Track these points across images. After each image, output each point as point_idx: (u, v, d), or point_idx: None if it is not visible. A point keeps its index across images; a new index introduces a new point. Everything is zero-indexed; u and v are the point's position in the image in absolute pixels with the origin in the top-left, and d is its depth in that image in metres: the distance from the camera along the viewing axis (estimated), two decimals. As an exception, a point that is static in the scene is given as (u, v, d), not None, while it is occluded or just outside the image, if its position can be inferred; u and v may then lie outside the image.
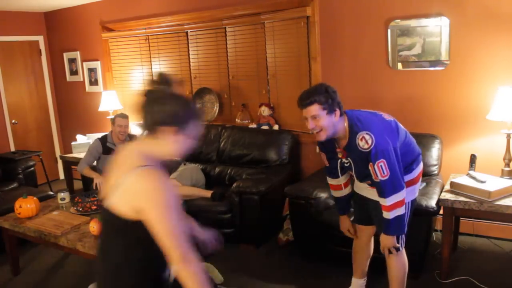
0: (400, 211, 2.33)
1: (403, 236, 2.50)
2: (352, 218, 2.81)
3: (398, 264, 2.56)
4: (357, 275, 2.89)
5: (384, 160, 2.25)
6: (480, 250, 3.45)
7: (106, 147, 4.19)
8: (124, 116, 4.19)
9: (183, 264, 1.42)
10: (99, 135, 5.27)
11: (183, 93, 1.49)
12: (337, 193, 2.70)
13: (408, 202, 2.48)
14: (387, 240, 2.42)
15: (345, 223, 2.77)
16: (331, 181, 2.67)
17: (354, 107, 4.02)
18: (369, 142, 2.26)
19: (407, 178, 2.47)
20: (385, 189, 2.29)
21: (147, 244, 1.47)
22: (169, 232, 1.42)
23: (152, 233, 1.43)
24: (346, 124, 2.33)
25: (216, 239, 1.96)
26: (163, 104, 1.49)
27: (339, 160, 2.48)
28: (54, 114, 6.42)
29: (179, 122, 1.48)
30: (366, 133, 2.28)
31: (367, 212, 2.63)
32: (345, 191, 2.68)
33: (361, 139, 2.28)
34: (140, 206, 1.43)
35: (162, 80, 1.54)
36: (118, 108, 5.43)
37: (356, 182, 2.63)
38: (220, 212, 3.69)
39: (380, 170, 2.26)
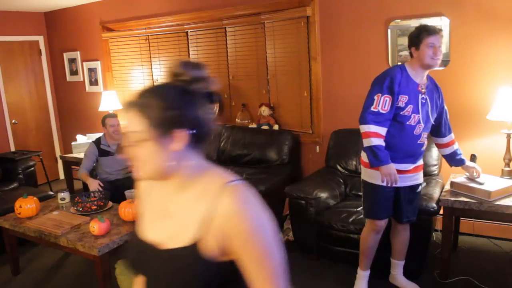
0: None
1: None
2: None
3: (408, 234, 2.88)
4: (367, 267, 2.90)
5: None
6: (480, 250, 3.45)
7: (101, 150, 4.18)
8: (113, 116, 4.23)
9: None
10: (99, 135, 5.28)
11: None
12: (381, 142, 2.57)
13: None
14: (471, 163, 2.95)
15: (393, 169, 2.55)
16: (379, 129, 2.57)
17: (354, 106, 4.01)
18: None
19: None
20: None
21: None
22: (271, 275, 1.06)
23: (246, 277, 1.04)
24: None
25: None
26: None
27: (419, 95, 2.63)
28: (54, 114, 6.42)
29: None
30: None
31: (390, 205, 2.74)
32: (384, 143, 2.59)
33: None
34: (234, 244, 1.01)
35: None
36: (118, 108, 5.43)
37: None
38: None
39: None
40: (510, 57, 3.27)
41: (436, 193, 3.06)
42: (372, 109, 2.57)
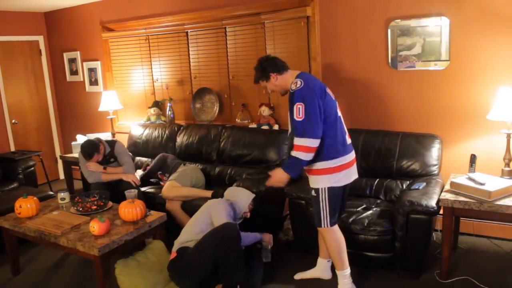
0: (302, 156, 2.62)
1: (327, 215, 2.78)
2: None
3: (332, 239, 2.85)
4: (321, 254, 3.13)
5: (303, 105, 2.60)
6: (480, 250, 3.45)
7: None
8: (87, 156, 3.95)
9: None
10: (99, 135, 5.28)
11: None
12: None
13: (324, 188, 2.75)
14: (279, 174, 2.75)
15: None
16: None
17: (353, 106, 4.03)
18: (297, 85, 2.66)
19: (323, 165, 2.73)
20: (296, 129, 2.64)
21: None
22: None
23: None
24: (292, 78, 2.76)
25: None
26: None
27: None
28: (54, 114, 6.42)
29: None
30: (299, 80, 2.68)
31: None
32: None
33: (294, 83, 2.69)
34: None
35: None
36: (118, 108, 5.44)
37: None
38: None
39: (297, 111, 2.62)
40: (510, 57, 3.27)
41: (436, 193, 3.05)
42: None
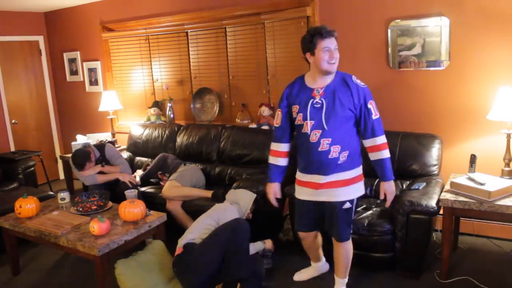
0: (389, 154, 2.55)
1: (351, 226, 2.71)
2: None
3: (350, 248, 2.76)
4: (314, 260, 3.12)
5: (374, 102, 2.53)
6: (480, 250, 3.45)
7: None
8: (80, 168, 3.94)
9: None
10: (99, 135, 5.29)
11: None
12: (275, 160, 2.81)
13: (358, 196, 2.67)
14: (391, 187, 2.58)
15: (274, 189, 2.85)
16: (275, 146, 2.81)
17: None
18: (362, 82, 2.56)
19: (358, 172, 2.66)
20: (379, 127, 2.52)
21: None
22: None
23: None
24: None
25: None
26: None
27: (312, 100, 2.53)
28: (54, 114, 6.42)
29: None
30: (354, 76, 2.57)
31: (311, 220, 2.79)
32: (283, 162, 2.81)
33: (357, 78, 2.56)
34: None
35: None
36: (118, 108, 5.43)
37: (304, 189, 2.72)
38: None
39: (374, 109, 2.52)
40: (510, 57, 3.27)
41: (436, 193, 3.05)
42: (274, 125, 2.79)
